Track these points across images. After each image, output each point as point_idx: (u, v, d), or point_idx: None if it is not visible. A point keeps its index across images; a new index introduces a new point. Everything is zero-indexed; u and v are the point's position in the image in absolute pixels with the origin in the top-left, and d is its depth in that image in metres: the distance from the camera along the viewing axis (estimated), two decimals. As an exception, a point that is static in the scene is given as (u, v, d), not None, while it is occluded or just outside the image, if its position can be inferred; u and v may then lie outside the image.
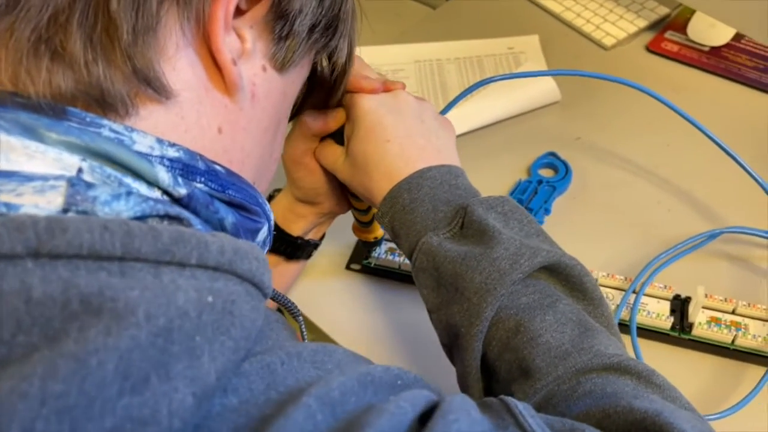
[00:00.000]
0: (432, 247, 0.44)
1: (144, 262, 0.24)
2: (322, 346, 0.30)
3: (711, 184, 0.68)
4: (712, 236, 0.62)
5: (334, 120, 0.51)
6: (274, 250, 0.58)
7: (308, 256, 0.60)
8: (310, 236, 0.59)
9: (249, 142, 0.35)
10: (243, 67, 0.33)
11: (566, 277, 0.43)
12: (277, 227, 0.56)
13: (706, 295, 0.57)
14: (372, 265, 0.64)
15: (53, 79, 0.27)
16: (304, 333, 0.35)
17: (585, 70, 0.82)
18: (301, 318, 0.37)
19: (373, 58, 0.86)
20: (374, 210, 0.56)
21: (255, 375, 0.26)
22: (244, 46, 0.32)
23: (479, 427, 0.29)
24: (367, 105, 0.49)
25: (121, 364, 0.21)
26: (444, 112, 0.59)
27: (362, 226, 0.60)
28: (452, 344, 0.45)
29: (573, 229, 0.67)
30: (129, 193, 0.26)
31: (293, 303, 0.38)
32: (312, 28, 0.36)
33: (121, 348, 0.22)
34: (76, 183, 0.25)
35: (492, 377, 0.43)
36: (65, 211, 0.25)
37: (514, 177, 0.71)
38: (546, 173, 0.72)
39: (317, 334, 0.62)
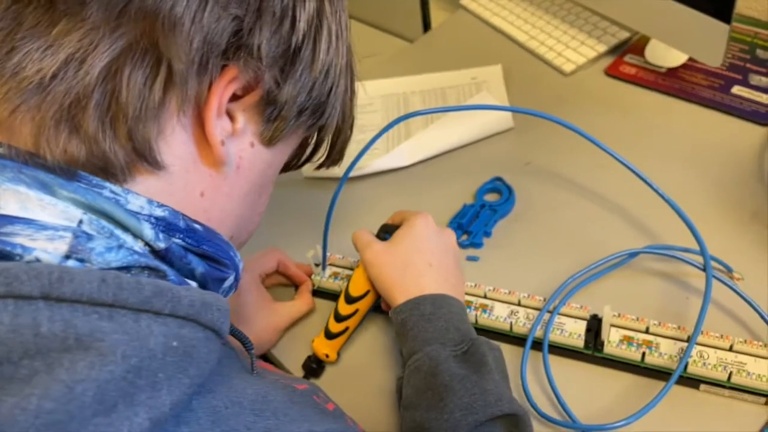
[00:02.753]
0: (439, 356, 0.52)
1: (128, 309, 0.30)
2: (261, 395, 0.34)
3: (647, 205, 0.70)
4: (632, 255, 0.64)
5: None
6: None
7: None
8: None
9: (229, 205, 0.40)
10: (232, 144, 0.38)
11: (517, 425, 0.50)
12: None
13: (619, 315, 0.59)
14: (316, 287, 0.69)
15: (68, 149, 0.32)
16: (255, 365, 0.40)
17: (544, 96, 0.86)
18: (253, 351, 0.41)
19: (343, 93, 0.92)
20: (347, 323, 0.62)
21: (203, 413, 0.31)
22: (235, 126, 0.37)
23: None
24: (424, 226, 0.61)
25: (98, 392, 0.27)
26: (367, 147, 0.64)
27: (326, 336, 0.63)
28: None
29: (511, 251, 0.70)
30: (120, 247, 0.32)
31: (248, 338, 0.43)
32: (300, 112, 0.40)
33: (101, 380, 0.27)
34: (79, 236, 0.31)
35: None
36: (67, 257, 0.30)
37: (461, 202, 0.75)
38: (491, 197, 0.76)
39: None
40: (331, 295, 0.68)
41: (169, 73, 0.33)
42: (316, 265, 0.69)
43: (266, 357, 0.67)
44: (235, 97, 0.36)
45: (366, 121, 0.88)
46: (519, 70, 0.91)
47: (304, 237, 0.73)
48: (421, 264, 0.58)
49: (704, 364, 0.54)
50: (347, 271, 0.68)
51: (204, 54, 0.33)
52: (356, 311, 0.62)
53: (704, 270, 0.58)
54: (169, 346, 0.30)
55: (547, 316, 0.60)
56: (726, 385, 0.54)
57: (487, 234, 0.71)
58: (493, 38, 0.98)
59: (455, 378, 0.50)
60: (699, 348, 0.56)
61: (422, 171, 0.80)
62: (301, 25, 0.37)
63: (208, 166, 0.37)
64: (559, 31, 0.93)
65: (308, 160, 0.49)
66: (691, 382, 0.55)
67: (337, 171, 0.59)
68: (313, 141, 0.46)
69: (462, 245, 0.71)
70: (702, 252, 0.59)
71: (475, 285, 0.64)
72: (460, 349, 0.53)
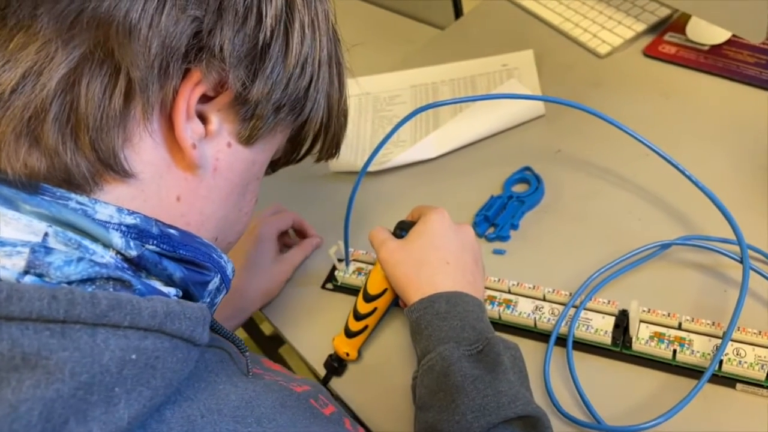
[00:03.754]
0: (452, 355, 0.51)
1: (83, 324, 0.29)
2: (246, 401, 0.34)
3: (686, 194, 0.66)
4: (665, 247, 0.61)
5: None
6: None
7: None
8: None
9: (208, 207, 0.40)
10: (207, 146, 0.37)
11: (534, 427, 0.48)
12: None
13: (649, 310, 0.56)
14: (339, 284, 0.68)
15: (29, 162, 0.33)
16: (250, 367, 0.39)
17: (578, 80, 0.83)
18: (248, 354, 0.40)
19: (372, 86, 0.91)
20: (367, 322, 0.62)
21: (175, 423, 0.31)
22: (209, 128, 0.36)
23: None
24: (442, 221, 0.59)
25: (45, 411, 0.27)
26: (386, 139, 0.63)
27: (346, 335, 0.62)
28: None
29: (539, 244, 0.68)
30: (80, 259, 0.32)
31: (241, 340, 0.42)
32: (278, 109, 0.39)
33: (46, 398, 0.27)
34: (37, 250, 0.31)
35: None
36: (26, 272, 0.30)
37: (488, 193, 0.73)
38: (519, 188, 0.73)
39: (293, 357, 0.68)
40: (355, 291, 0.68)
41: (128, 80, 0.33)
42: (339, 260, 0.69)
43: (280, 358, 0.67)
44: (207, 98, 0.36)
45: (394, 113, 0.87)
46: (552, 54, 0.88)
47: (329, 232, 0.73)
48: (437, 262, 0.57)
49: (740, 362, 0.51)
50: (371, 267, 0.68)
51: (164, 59, 0.33)
52: (375, 309, 0.61)
53: (741, 261, 0.55)
54: (127, 360, 0.29)
55: (572, 311, 0.58)
56: (765, 385, 0.51)
57: (515, 226, 0.69)
58: (525, 22, 0.95)
59: (467, 378, 0.49)
60: (735, 345, 0.52)
61: (449, 162, 0.79)
62: (269, 21, 0.35)
63: (182, 170, 0.37)
64: (594, 11, 0.89)
65: (307, 154, 0.48)
66: (727, 381, 0.52)
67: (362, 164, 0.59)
68: (309, 137, 0.45)
69: (488, 238, 0.69)
70: (739, 242, 0.55)
71: (499, 280, 0.62)
72: (474, 349, 0.51)
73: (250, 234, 0.70)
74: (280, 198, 0.77)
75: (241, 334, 1.01)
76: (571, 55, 0.87)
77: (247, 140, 0.39)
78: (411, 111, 0.86)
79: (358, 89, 0.91)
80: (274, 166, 0.49)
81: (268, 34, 0.36)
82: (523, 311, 0.59)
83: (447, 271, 0.56)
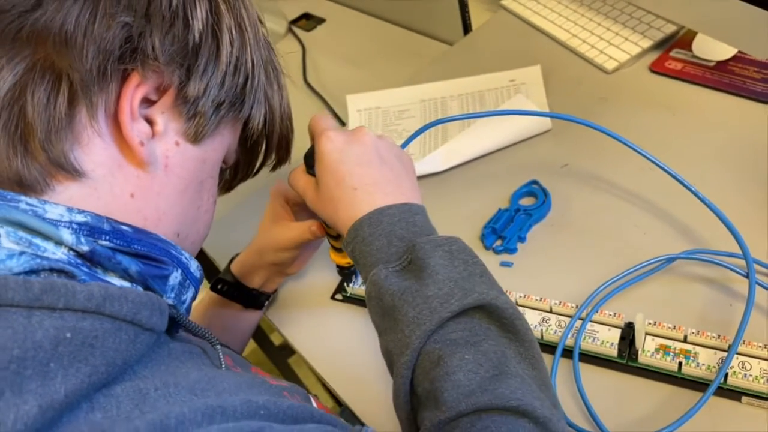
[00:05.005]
0: (379, 279, 0.49)
1: (17, 307, 0.31)
2: (208, 379, 0.35)
3: (691, 208, 0.67)
4: (669, 260, 0.61)
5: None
6: (234, 298, 0.68)
7: (261, 306, 0.70)
8: (264, 288, 0.69)
9: (164, 203, 0.42)
10: (155, 145, 0.40)
11: (498, 318, 0.46)
12: (237, 281, 0.68)
13: (655, 323, 0.57)
14: (348, 294, 0.69)
15: None
16: (222, 360, 0.40)
17: (585, 95, 0.84)
18: (218, 347, 0.42)
19: (381, 100, 0.93)
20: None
21: (125, 397, 0.32)
22: (155, 128, 0.40)
23: None
24: (331, 151, 0.54)
25: None
26: (403, 147, 0.64)
27: (336, 251, 0.66)
28: (390, 366, 0.50)
29: (546, 257, 0.68)
30: (21, 254, 0.34)
31: (210, 332, 0.44)
32: (218, 106, 0.43)
33: None
34: None
35: (416, 400, 0.47)
36: None
37: (495, 206, 0.74)
38: (526, 201, 0.74)
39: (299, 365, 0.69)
40: (362, 302, 0.69)
41: (70, 86, 0.36)
42: (350, 272, 0.70)
43: (290, 368, 0.68)
44: (151, 102, 0.39)
45: (404, 127, 0.89)
46: (559, 69, 0.89)
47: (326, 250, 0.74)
48: (345, 193, 0.53)
49: (746, 375, 0.52)
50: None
51: (101, 63, 0.36)
52: None
53: (747, 276, 0.55)
54: (61, 338, 0.31)
55: (578, 323, 0.59)
56: (770, 398, 0.51)
57: (522, 239, 0.70)
58: (533, 38, 0.96)
59: (396, 295, 0.47)
60: (741, 358, 0.53)
61: (457, 175, 0.80)
62: (197, 24, 0.39)
63: (134, 167, 0.40)
64: (601, 28, 0.91)
65: (262, 165, 0.51)
66: (733, 394, 0.53)
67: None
68: (261, 143, 0.48)
69: (496, 251, 0.70)
70: (744, 256, 0.56)
71: (507, 291, 0.63)
72: (404, 261, 0.49)
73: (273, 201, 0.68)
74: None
75: (250, 344, 1.01)
76: (579, 70, 0.88)
77: (194, 138, 0.42)
78: (420, 125, 0.89)
79: (369, 103, 0.92)
80: (231, 181, 0.53)
81: (197, 36, 0.39)
82: (531, 323, 0.60)
83: (357, 196, 0.52)
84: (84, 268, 0.37)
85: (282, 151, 0.53)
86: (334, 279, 0.72)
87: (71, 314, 0.32)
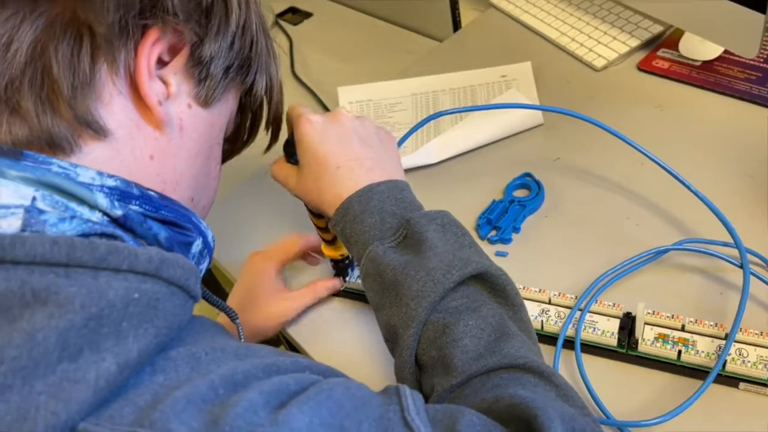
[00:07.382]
0: (378, 255, 0.50)
1: (85, 267, 0.31)
2: (246, 347, 0.36)
3: (681, 200, 0.68)
4: (663, 251, 0.62)
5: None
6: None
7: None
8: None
9: (180, 165, 0.42)
10: (170, 106, 0.40)
11: (492, 284, 0.49)
12: None
13: (653, 312, 0.57)
14: (344, 288, 0.69)
15: (12, 129, 0.35)
16: (242, 334, 0.42)
17: (574, 92, 0.85)
18: (238, 321, 0.43)
19: (373, 93, 0.92)
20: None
21: (181, 361, 0.33)
22: (169, 89, 0.40)
23: (358, 392, 0.35)
24: (311, 132, 0.54)
25: (60, 339, 0.29)
26: (400, 143, 0.64)
27: (327, 244, 0.65)
28: (392, 340, 0.50)
29: (540, 247, 0.69)
30: (72, 217, 0.34)
31: (231, 308, 0.45)
32: (227, 69, 0.43)
33: (60, 327, 0.29)
34: (30, 210, 0.33)
35: (421, 369, 0.48)
36: (23, 230, 0.32)
37: (490, 197, 0.74)
38: (520, 193, 0.75)
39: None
40: (362, 296, 0.68)
41: (93, 40, 0.35)
42: (345, 265, 0.69)
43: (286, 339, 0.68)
44: (164, 63, 0.39)
45: (396, 120, 0.89)
46: (549, 67, 0.90)
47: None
48: (328, 172, 0.53)
49: (744, 361, 0.53)
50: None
51: (122, 17, 0.36)
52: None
53: (741, 266, 0.56)
54: (130, 298, 0.31)
55: (578, 314, 0.59)
56: (767, 384, 0.53)
57: (516, 230, 0.71)
58: (523, 36, 0.97)
59: (398, 270, 0.48)
60: (738, 345, 0.54)
61: (451, 168, 0.80)
62: None
63: (152, 128, 0.39)
64: (590, 27, 0.92)
65: (251, 135, 0.51)
66: (731, 380, 0.54)
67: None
68: (255, 109, 0.48)
69: (491, 241, 0.70)
70: (737, 245, 0.57)
71: (505, 282, 0.63)
72: (399, 236, 0.50)
73: (249, 267, 0.68)
74: (283, 208, 0.77)
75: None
76: (568, 68, 0.90)
77: (205, 101, 0.42)
78: (411, 119, 0.89)
79: (360, 96, 0.92)
80: (226, 153, 0.52)
81: None
82: (530, 314, 0.60)
83: (343, 175, 0.53)
84: (126, 234, 0.37)
85: (275, 124, 0.53)
86: (329, 272, 0.71)
87: (133, 276, 0.32)
